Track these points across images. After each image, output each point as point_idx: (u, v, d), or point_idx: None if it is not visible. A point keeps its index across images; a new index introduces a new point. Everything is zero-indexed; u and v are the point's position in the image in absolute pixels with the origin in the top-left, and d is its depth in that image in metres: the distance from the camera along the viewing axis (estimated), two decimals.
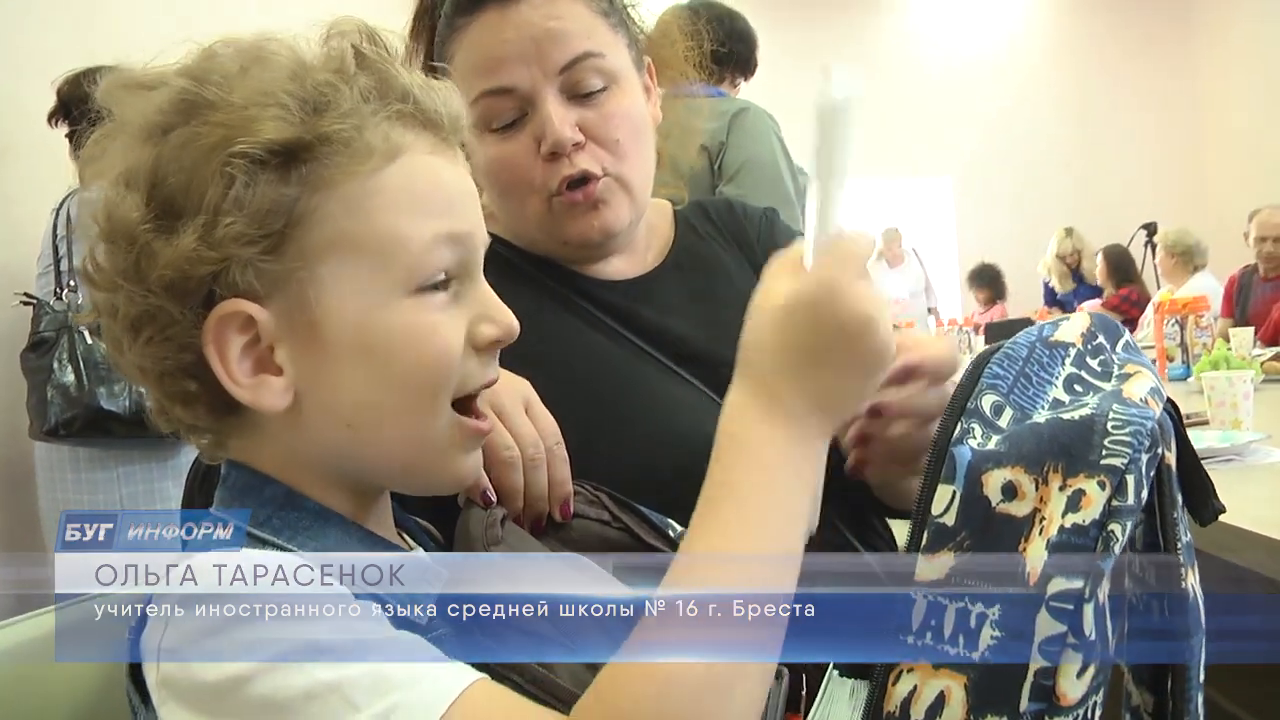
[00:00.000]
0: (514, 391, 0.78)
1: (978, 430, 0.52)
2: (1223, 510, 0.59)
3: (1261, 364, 2.45)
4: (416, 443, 0.60)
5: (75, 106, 2.23)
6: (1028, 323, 4.58)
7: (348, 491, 0.61)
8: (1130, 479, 0.49)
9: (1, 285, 2.34)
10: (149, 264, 0.54)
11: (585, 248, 0.96)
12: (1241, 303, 4.55)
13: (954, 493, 0.51)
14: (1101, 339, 0.61)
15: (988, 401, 0.54)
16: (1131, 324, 5.44)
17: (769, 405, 0.52)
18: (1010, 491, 0.50)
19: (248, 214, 0.53)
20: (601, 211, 0.92)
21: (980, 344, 4.59)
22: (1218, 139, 8.09)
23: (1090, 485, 0.49)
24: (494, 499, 0.73)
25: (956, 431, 0.53)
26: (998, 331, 5.54)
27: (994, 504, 0.50)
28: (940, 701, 0.49)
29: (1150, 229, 6.28)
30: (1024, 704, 0.48)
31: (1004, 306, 6.73)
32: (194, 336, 0.55)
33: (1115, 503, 0.48)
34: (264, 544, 0.57)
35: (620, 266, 0.99)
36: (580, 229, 0.93)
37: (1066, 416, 0.51)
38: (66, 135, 2.27)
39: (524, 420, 0.77)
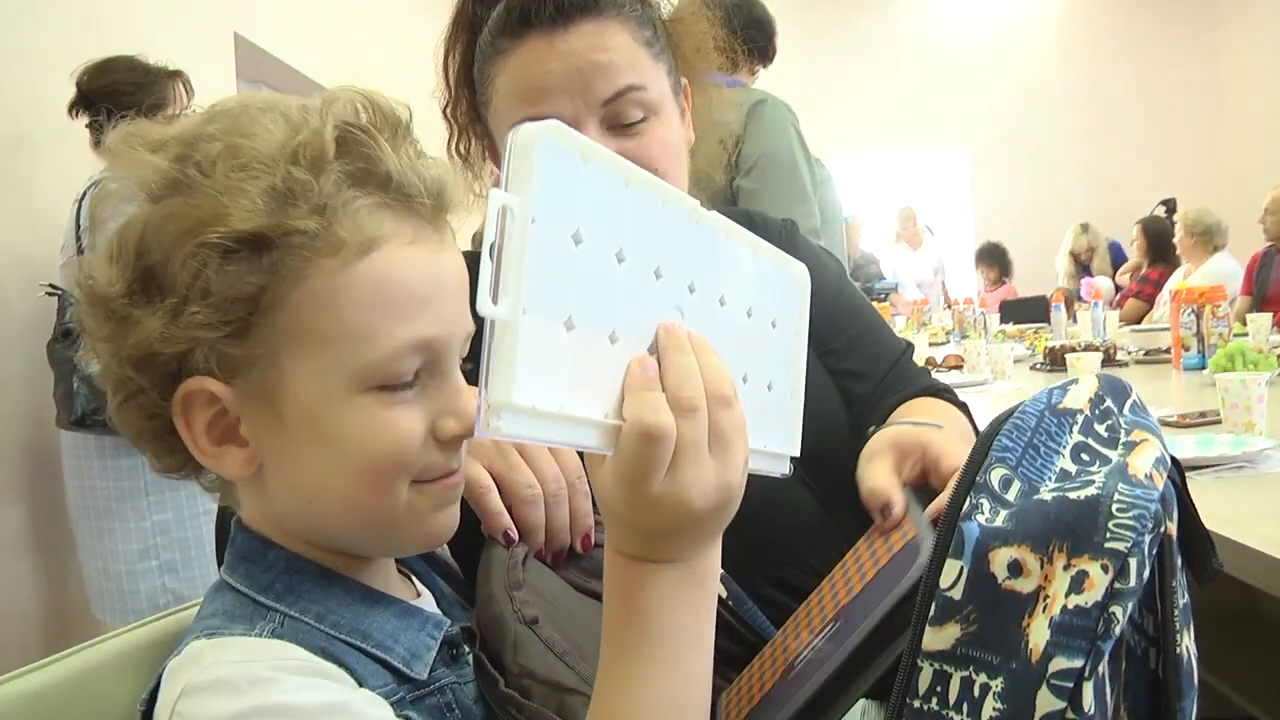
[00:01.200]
0: None
1: (986, 506, 0.54)
2: (1221, 570, 0.61)
3: (1279, 357, 2.44)
4: (378, 520, 0.61)
5: (95, 98, 2.25)
6: (1043, 301, 4.57)
7: (337, 550, 0.63)
8: (1133, 562, 0.50)
9: (24, 275, 2.38)
10: (122, 339, 0.57)
11: None
12: (1261, 282, 4.52)
13: (961, 568, 0.52)
14: (1109, 402, 0.62)
15: (996, 475, 0.55)
16: (1149, 302, 5.42)
17: (639, 566, 0.52)
18: (1016, 569, 0.52)
19: (214, 301, 0.55)
20: None
21: (994, 324, 4.57)
22: (1236, 120, 7.99)
23: (1094, 568, 0.50)
24: (515, 537, 0.75)
25: (966, 506, 0.54)
26: (1012, 310, 5.53)
27: (1000, 580, 0.52)
28: None
29: (1169, 205, 6.23)
30: None
31: (1012, 285, 6.71)
32: (162, 408, 0.58)
33: (1117, 585, 0.50)
34: (269, 611, 0.59)
35: None
36: None
37: (1072, 495, 0.53)
38: (87, 125, 2.30)
39: (546, 457, 0.78)
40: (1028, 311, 5.65)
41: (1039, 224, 6.97)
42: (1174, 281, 5.13)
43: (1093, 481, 0.54)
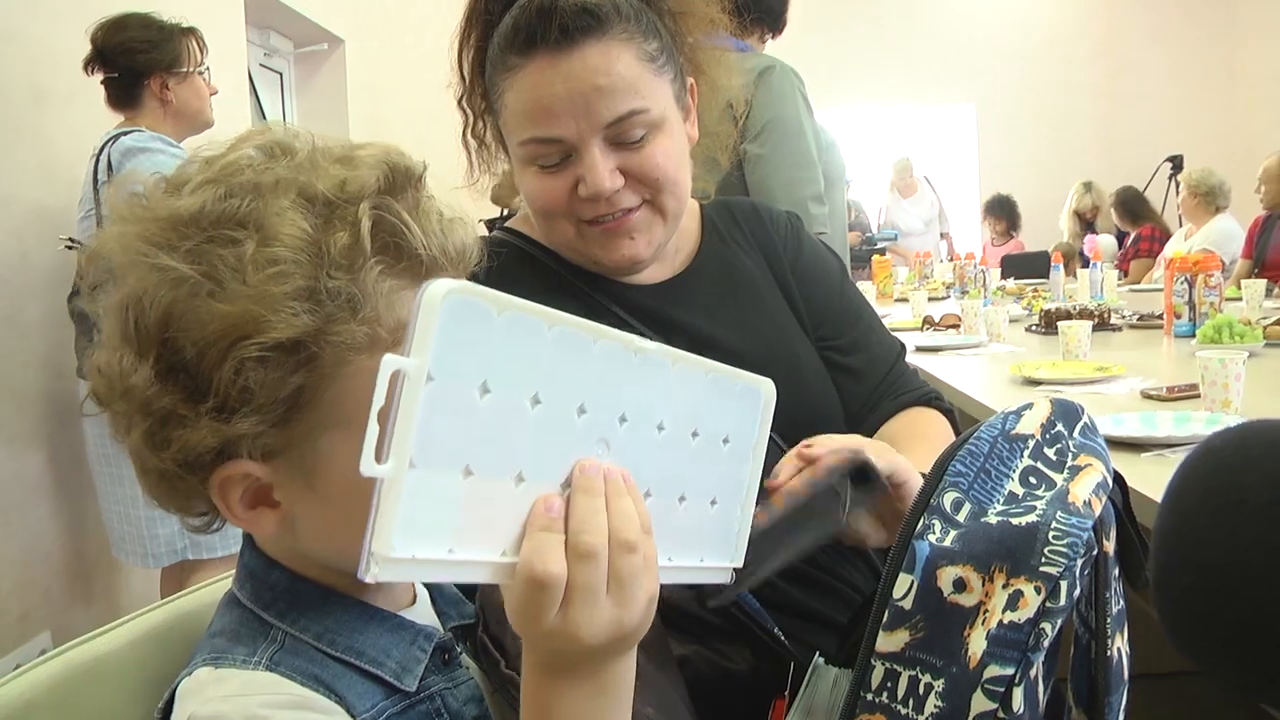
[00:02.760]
0: None
1: (937, 526, 0.61)
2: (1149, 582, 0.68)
3: (1265, 328, 2.50)
4: None
5: (110, 54, 2.28)
6: (1046, 256, 4.56)
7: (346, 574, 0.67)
8: (1064, 584, 0.57)
9: (43, 228, 2.43)
10: (163, 437, 0.57)
11: (615, 272, 1.03)
12: (1261, 246, 4.54)
13: (912, 582, 0.59)
14: (1060, 426, 0.68)
15: (949, 499, 0.62)
16: (1153, 260, 5.44)
17: (550, 676, 0.53)
18: (960, 585, 0.59)
19: (255, 404, 0.55)
20: (636, 241, 0.99)
21: (995, 279, 4.60)
22: (1249, 78, 7.88)
23: (1028, 589, 0.57)
24: None
25: (919, 526, 0.61)
26: (1014, 265, 5.57)
27: (945, 595, 0.59)
28: None
29: (1176, 162, 6.22)
30: None
31: (1020, 239, 6.71)
32: (200, 491, 0.60)
33: (1048, 605, 0.57)
34: (271, 629, 0.63)
35: (650, 271, 1.06)
36: (610, 256, 1.00)
37: (1015, 521, 0.59)
38: (102, 82, 2.33)
39: None
40: (1031, 266, 5.68)
41: (1046, 179, 6.95)
42: (1175, 241, 5.17)
43: (1035, 508, 0.60)
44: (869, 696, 0.60)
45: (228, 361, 0.55)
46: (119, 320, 0.59)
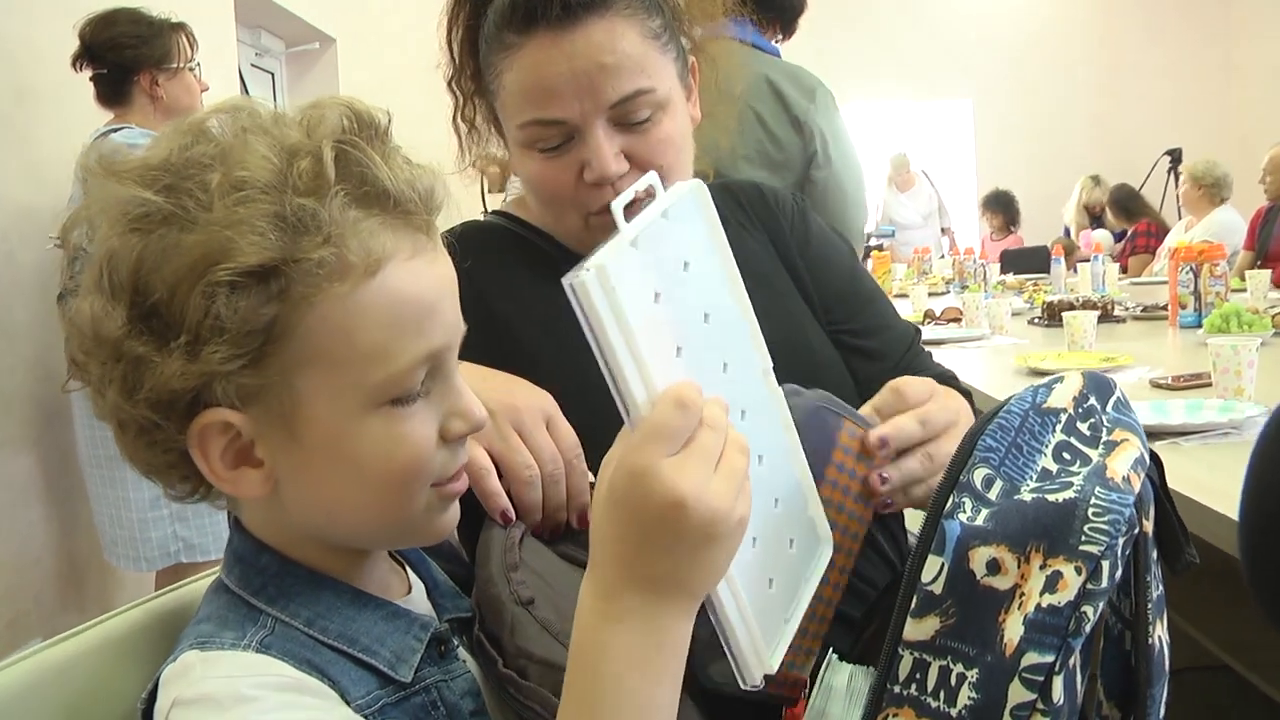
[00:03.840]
0: (535, 409, 0.82)
1: (968, 504, 0.56)
2: (1196, 563, 0.64)
3: (1273, 318, 2.46)
4: (394, 524, 0.64)
5: (98, 50, 2.25)
6: (1044, 251, 4.58)
7: (338, 550, 0.65)
8: (1105, 564, 0.53)
9: (28, 228, 2.39)
10: (136, 380, 0.56)
11: None
12: (1264, 238, 4.51)
13: (942, 564, 0.55)
14: (1093, 400, 0.64)
15: (979, 475, 0.58)
16: (1151, 255, 5.42)
17: (608, 605, 0.52)
18: (994, 567, 0.55)
19: (229, 336, 0.54)
20: None
21: (994, 274, 4.57)
22: (1246, 72, 7.87)
23: (1068, 569, 0.53)
24: (513, 517, 0.77)
25: (949, 505, 0.57)
26: (1013, 260, 5.54)
27: (978, 577, 0.55)
28: None
29: (1175, 155, 6.20)
30: None
31: (1019, 235, 6.69)
32: (178, 441, 0.58)
33: (1089, 586, 0.53)
34: (260, 615, 0.61)
35: None
36: None
37: (1051, 497, 0.55)
38: (90, 79, 2.29)
39: (544, 437, 0.81)
40: (1029, 262, 5.67)
41: (1043, 174, 6.93)
42: (1175, 233, 5.14)
43: (1071, 484, 0.56)
44: (896, 689, 0.56)
45: (197, 291, 0.54)
46: (94, 276, 0.58)
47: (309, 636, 0.61)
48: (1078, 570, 0.53)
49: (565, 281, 0.47)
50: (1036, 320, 3.28)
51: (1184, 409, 1.65)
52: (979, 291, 3.89)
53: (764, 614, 0.57)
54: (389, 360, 0.58)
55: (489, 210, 1.22)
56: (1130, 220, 5.70)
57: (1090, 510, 0.54)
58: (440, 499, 0.64)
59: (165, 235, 0.55)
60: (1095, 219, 6.16)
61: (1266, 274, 3.27)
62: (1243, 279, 3.39)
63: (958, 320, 3.29)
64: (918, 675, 0.56)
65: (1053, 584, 0.53)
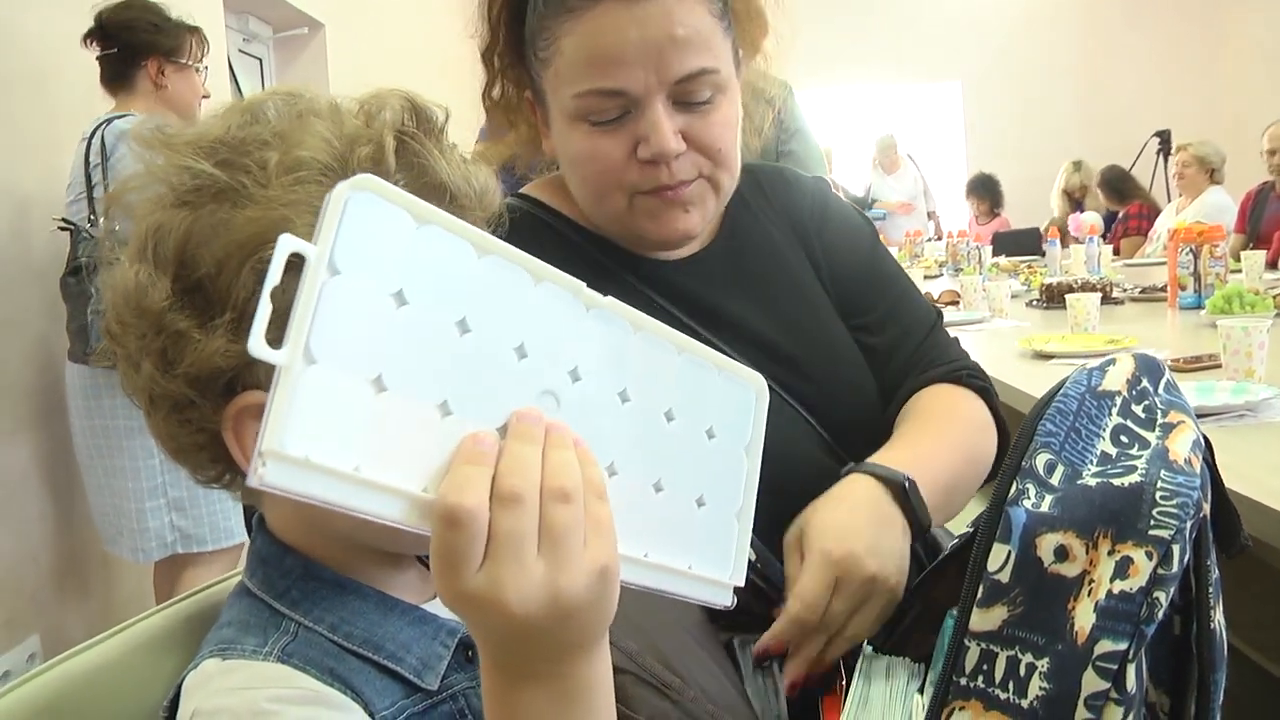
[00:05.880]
0: None
1: (1032, 491, 0.55)
2: (1249, 545, 0.63)
3: (1275, 298, 2.46)
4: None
5: (111, 30, 2.27)
6: (1035, 233, 4.59)
7: (365, 552, 0.63)
8: (1175, 548, 0.52)
9: (39, 214, 2.36)
10: (176, 354, 0.55)
11: (659, 246, 0.96)
12: (1255, 219, 4.53)
13: (1009, 552, 0.54)
14: (1145, 382, 0.63)
15: (1041, 460, 0.57)
16: (1143, 237, 5.43)
17: (506, 694, 0.48)
18: (1062, 554, 0.54)
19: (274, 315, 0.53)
20: (690, 214, 0.92)
21: (988, 256, 4.57)
22: (1234, 51, 7.88)
23: (1138, 554, 0.52)
24: None
25: (1012, 491, 0.56)
26: (1005, 242, 5.54)
27: (1046, 565, 0.54)
28: None
29: (1164, 137, 6.21)
30: None
31: (1005, 217, 6.69)
32: (213, 421, 0.57)
33: (1160, 571, 0.52)
34: (284, 620, 0.59)
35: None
36: (661, 230, 0.92)
37: (1116, 482, 0.54)
38: (98, 58, 2.28)
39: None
40: (1020, 244, 5.67)
41: (1032, 156, 6.93)
42: (1167, 215, 5.15)
43: (1135, 467, 0.55)
44: (962, 681, 0.55)
45: (246, 268, 0.53)
46: (138, 247, 0.56)
47: (333, 643, 0.59)
48: (1148, 555, 0.52)
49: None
50: (1035, 302, 3.28)
51: (1195, 391, 1.64)
52: (974, 274, 3.89)
53: (701, 542, 0.54)
54: None
55: (510, 193, 1.19)
56: (1122, 202, 5.71)
57: (1158, 494, 0.53)
58: None
59: (216, 210, 0.54)
60: (1076, 204, 6.17)
61: (1261, 255, 3.28)
62: (1237, 260, 3.40)
63: (955, 303, 3.28)
64: (985, 666, 0.55)
65: (1123, 570, 0.52)
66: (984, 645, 0.55)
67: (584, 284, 0.49)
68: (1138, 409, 0.61)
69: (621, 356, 0.50)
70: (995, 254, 4.96)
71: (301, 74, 4.28)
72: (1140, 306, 3.04)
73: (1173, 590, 0.53)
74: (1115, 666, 0.52)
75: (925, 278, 4.30)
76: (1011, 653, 0.54)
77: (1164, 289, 3.02)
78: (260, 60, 4.28)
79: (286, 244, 0.40)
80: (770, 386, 0.57)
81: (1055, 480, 0.56)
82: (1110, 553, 0.53)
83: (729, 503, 0.55)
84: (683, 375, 0.53)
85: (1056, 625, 0.53)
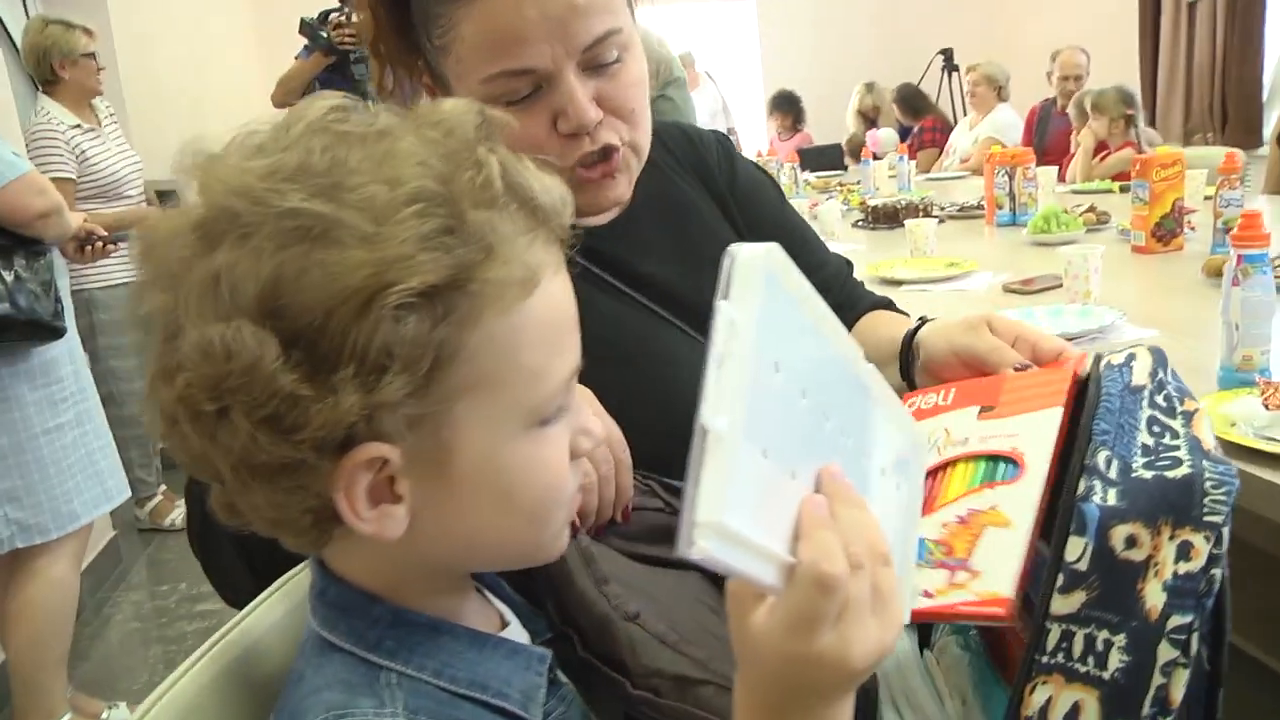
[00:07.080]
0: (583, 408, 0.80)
1: (1099, 486, 0.62)
2: None
3: (1081, 217, 2.73)
4: (530, 549, 0.61)
5: None
6: (838, 149, 4.77)
7: (443, 586, 0.62)
8: (1225, 530, 0.61)
9: None
10: (298, 418, 0.49)
11: (593, 214, 0.96)
12: (1040, 134, 4.92)
13: (1086, 544, 0.61)
14: (1161, 374, 0.72)
15: (1101, 457, 0.64)
16: (938, 149, 5.79)
17: None
18: (1131, 542, 0.61)
19: (400, 363, 0.49)
20: (618, 181, 0.92)
21: (799, 175, 4.72)
22: None
23: (1197, 539, 0.60)
24: (578, 525, 0.75)
25: (1081, 489, 0.62)
26: (811, 159, 5.77)
27: (1117, 552, 0.61)
28: (1075, 711, 0.61)
29: (947, 54, 6.59)
30: (1145, 710, 0.61)
31: (807, 132, 6.94)
32: (325, 484, 0.52)
33: (1214, 551, 0.60)
34: (384, 671, 0.57)
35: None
36: (595, 201, 0.93)
37: (1169, 474, 0.62)
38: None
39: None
40: (824, 159, 5.93)
41: (828, 73, 7.16)
42: (961, 130, 5.51)
43: (1180, 460, 0.63)
44: (1043, 659, 0.62)
45: (368, 317, 0.48)
46: (209, 298, 0.50)
47: (440, 689, 0.57)
48: (1206, 539, 0.60)
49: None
50: (861, 223, 3.47)
51: (1047, 315, 1.82)
52: (792, 194, 4.04)
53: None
54: (545, 379, 0.56)
55: None
56: (916, 118, 6.06)
57: (1207, 484, 0.61)
58: (566, 519, 0.63)
59: (311, 251, 0.49)
60: (871, 123, 6.49)
61: (1053, 170, 3.59)
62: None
63: None
64: (1064, 645, 0.62)
65: (1185, 553, 0.60)
66: (1064, 626, 0.62)
67: (857, 349, 0.53)
68: (1159, 399, 0.69)
69: (868, 419, 0.54)
70: (804, 168, 5.15)
71: (76, 2, 3.83)
72: (959, 225, 3.27)
73: (1225, 565, 0.61)
74: (1184, 637, 0.60)
75: None
76: (1088, 630, 0.61)
77: (979, 207, 3.27)
78: None
79: (727, 310, 0.41)
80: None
81: (1113, 474, 0.63)
82: (1171, 538, 0.61)
83: (907, 550, 0.61)
84: (890, 433, 0.58)
85: (1129, 604, 0.61)
